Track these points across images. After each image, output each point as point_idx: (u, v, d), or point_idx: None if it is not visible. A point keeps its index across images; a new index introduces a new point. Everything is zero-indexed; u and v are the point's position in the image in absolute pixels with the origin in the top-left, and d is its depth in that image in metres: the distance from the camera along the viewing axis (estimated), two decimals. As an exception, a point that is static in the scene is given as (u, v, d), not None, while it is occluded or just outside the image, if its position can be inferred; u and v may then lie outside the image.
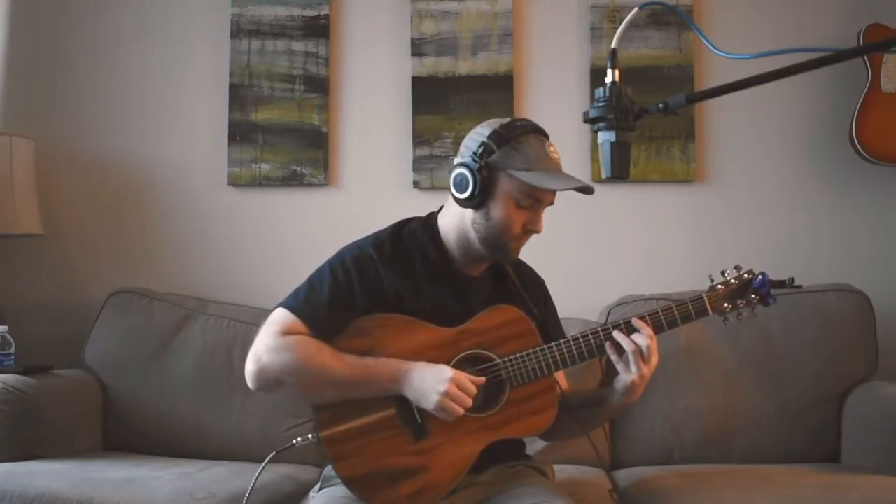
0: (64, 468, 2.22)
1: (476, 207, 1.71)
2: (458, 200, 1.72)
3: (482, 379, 1.67)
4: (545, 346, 1.70)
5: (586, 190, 1.70)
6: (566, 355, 1.70)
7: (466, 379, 1.64)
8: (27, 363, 2.56)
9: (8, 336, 2.52)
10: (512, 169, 1.68)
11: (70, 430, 2.49)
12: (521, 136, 1.70)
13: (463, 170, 1.70)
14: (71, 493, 2.02)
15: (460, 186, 1.70)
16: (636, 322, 1.69)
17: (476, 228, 1.73)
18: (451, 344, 1.70)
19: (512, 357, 1.70)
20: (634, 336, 1.67)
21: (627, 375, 1.67)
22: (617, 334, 1.67)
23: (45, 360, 2.62)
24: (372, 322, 1.72)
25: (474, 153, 1.69)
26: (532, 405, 1.71)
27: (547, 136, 1.75)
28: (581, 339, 1.70)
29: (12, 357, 2.52)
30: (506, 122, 1.74)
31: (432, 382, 1.62)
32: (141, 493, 2.06)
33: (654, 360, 1.68)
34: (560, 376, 1.88)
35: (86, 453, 2.46)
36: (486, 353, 1.71)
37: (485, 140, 1.70)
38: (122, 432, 2.61)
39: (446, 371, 1.64)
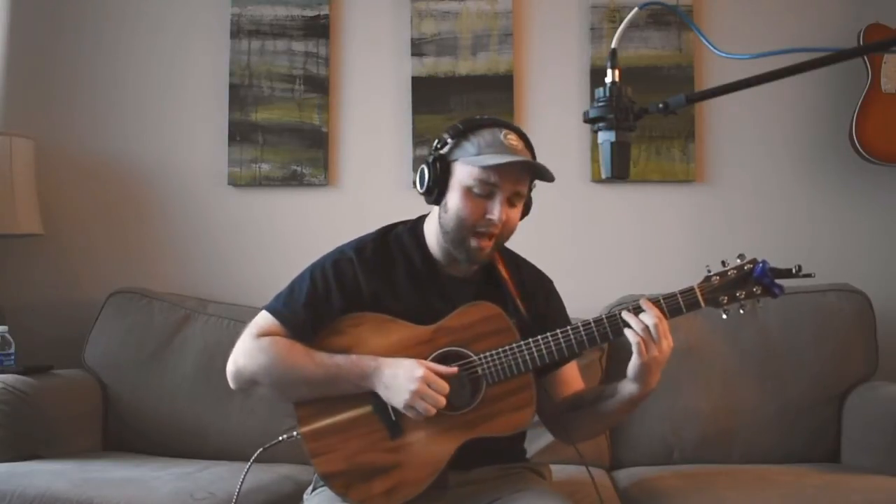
0: (64, 468, 2.22)
1: (437, 202, 1.74)
2: (423, 197, 1.75)
3: (455, 369, 1.66)
4: (521, 343, 1.68)
5: (543, 173, 1.68)
6: (543, 352, 1.67)
7: (438, 377, 1.62)
8: (27, 363, 2.56)
9: (8, 336, 2.53)
10: (462, 157, 1.70)
11: (70, 430, 2.49)
12: (477, 129, 1.72)
13: (423, 164, 1.74)
14: (71, 493, 2.01)
15: (420, 181, 1.74)
16: (643, 303, 1.64)
17: (441, 224, 1.74)
18: (427, 342, 1.70)
19: (488, 354, 1.68)
20: (643, 316, 1.62)
21: (638, 357, 1.61)
22: (625, 314, 1.64)
23: (45, 360, 2.62)
24: (348, 321, 1.73)
25: (434, 147, 1.75)
26: (509, 402, 1.68)
27: (514, 131, 1.73)
28: (560, 335, 1.67)
29: (12, 357, 2.52)
30: (468, 118, 1.76)
31: (403, 381, 1.62)
32: (141, 493, 2.06)
33: (666, 342, 1.61)
34: (575, 377, 1.87)
35: (86, 453, 2.46)
36: (462, 350, 1.69)
37: (443, 133, 1.74)
38: (122, 432, 2.61)
39: (418, 369, 1.63)
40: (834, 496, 2.02)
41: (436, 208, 1.77)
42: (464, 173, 1.69)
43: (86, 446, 2.52)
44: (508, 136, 1.70)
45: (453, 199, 1.70)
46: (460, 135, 1.72)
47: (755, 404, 2.52)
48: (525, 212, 1.78)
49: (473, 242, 1.71)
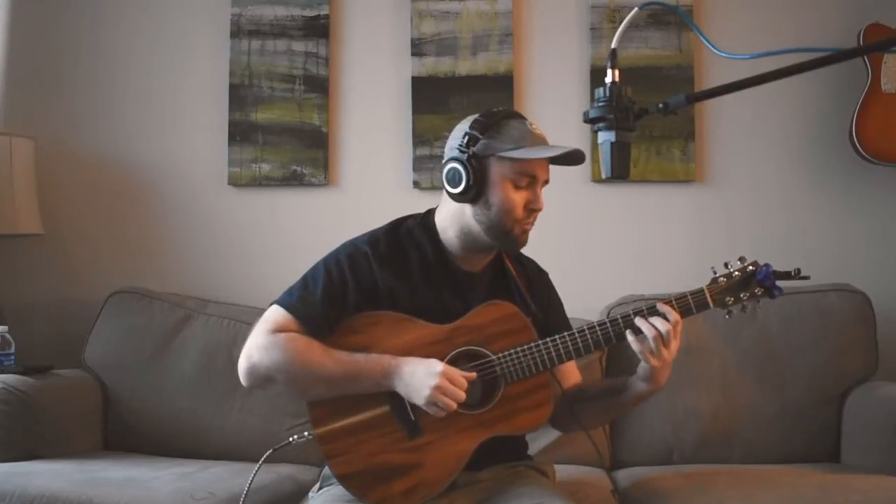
0: (64, 468, 2.22)
1: (474, 200, 1.71)
2: (454, 196, 1.72)
3: (473, 374, 1.67)
4: (539, 343, 1.69)
5: (577, 157, 1.71)
6: (561, 351, 1.69)
7: (457, 373, 1.63)
8: (27, 363, 2.56)
9: (8, 336, 2.53)
10: (500, 151, 1.69)
11: (70, 430, 2.49)
12: (501, 121, 1.72)
13: (453, 164, 1.71)
14: (71, 493, 2.02)
15: (453, 181, 1.71)
16: (662, 307, 1.66)
17: (479, 220, 1.72)
18: (444, 340, 1.70)
19: (506, 353, 1.69)
20: (654, 320, 1.64)
21: (647, 362, 1.65)
22: (638, 319, 1.65)
23: (45, 360, 2.62)
24: (365, 319, 1.72)
25: (460, 145, 1.71)
26: (527, 401, 1.70)
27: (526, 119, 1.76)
28: (577, 335, 1.69)
29: (12, 357, 2.52)
30: (485, 112, 1.75)
31: (423, 377, 1.62)
32: (141, 493, 2.06)
33: (675, 344, 1.65)
34: (573, 369, 1.89)
35: (86, 453, 2.46)
36: (480, 349, 1.70)
37: (467, 131, 1.72)
38: (122, 432, 2.61)
39: (437, 365, 1.63)
40: (834, 496, 2.02)
41: (448, 202, 1.76)
42: (504, 168, 1.69)
43: (86, 446, 2.52)
44: (533, 126, 1.73)
45: (497, 194, 1.70)
46: (488, 130, 1.70)
47: (755, 404, 2.52)
48: None
49: (518, 229, 1.73)
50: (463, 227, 1.76)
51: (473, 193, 1.70)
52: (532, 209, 1.72)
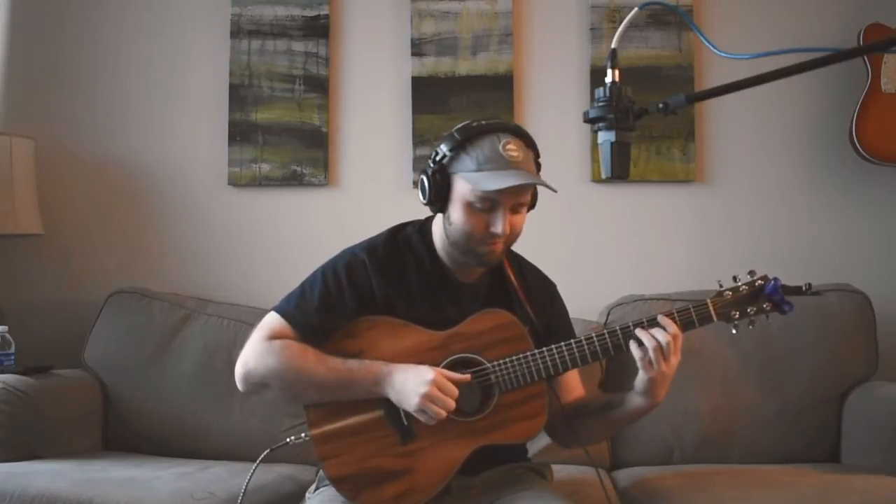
0: (64, 468, 2.22)
1: (441, 211, 1.73)
2: (426, 205, 1.75)
3: (468, 377, 1.66)
4: (535, 352, 1.68)
5: (545, 186, 1.66)
6: (557, 361, 1.68)
7: (448, 381, 1.63)
8: (27, 363, 2.56)
9: (8, 336, 2.53)
10: (462, 172, 1.67)
11: (70, 430, 2.49)
12: (474, 138, 1.67)
13: (422, 175, 1.73)
14: (71, 493, 2.02)
15: (421, 192, 1.74)
16: (662, 319, 1.64)
17: (447, 233, 1.74)
18: (440, 347, 1.70)
19: (501, 361, 1.68)
20: (655, 332, 1.63)
21: (645, 373, 1.63)
22: (639, 331, 1.64)
23: (45, 360, 2.62)
24: (362, 324, 1.72)
25: (431, 158, 1.72)
26: (521, 410, 1.69)
27: (513, 134, 1.68)
28: (574, 345, 1.68)
29: (12, 357, 2.52)
30: (464, 124, 1.71)
31: (413, 385, 1.62)
32: (141, 493, 2.06)
33: (675, 359, 1.63)
34: (576, 383, 1.87)
35: (86, 453, 2.46)
36: (475, 357, 1.70)
37: (438, 145, 1.72)
38: (122, 432, 2.61)
39: (428, 373, 1.62)
40: (834, 496, 2.02)
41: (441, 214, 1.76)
42: (464, 189, 1.67)
43: (86, 446, 2.52)
44: (507, 147, 1.65)
45: (456, 213, 1.69)
46: (458, 146, 1.68)
47: (755, 404, 2.52)
48: (531, 204, 1.75)
49: (482, 249, 1.70)
50: (443, 237, 1.77)
51: (438, 207, 1.72)
52: (492, 232, 1.67)
